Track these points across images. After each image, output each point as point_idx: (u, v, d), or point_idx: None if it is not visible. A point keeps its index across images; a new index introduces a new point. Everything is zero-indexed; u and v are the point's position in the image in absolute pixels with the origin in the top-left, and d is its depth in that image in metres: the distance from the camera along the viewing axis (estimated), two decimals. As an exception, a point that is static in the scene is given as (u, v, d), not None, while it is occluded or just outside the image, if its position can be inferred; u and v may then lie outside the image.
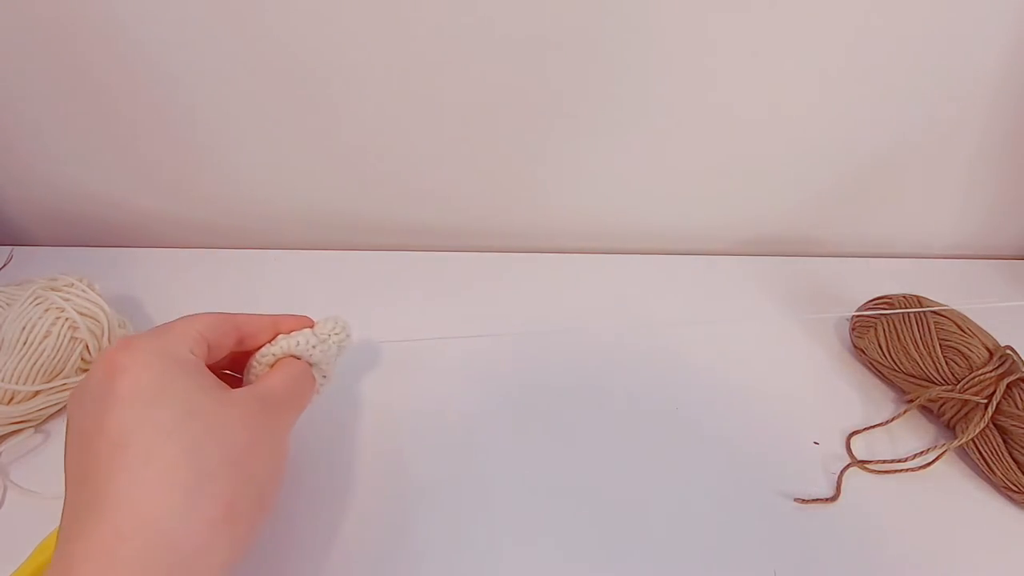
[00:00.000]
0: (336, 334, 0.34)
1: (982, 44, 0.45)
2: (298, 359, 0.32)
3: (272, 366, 0.31)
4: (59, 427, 0.39)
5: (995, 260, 0.56)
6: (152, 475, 0.22)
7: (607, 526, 0.34)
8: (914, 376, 0.40)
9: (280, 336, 0.32)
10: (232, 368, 0.33)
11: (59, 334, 0.38)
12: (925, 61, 0.46)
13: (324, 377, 0.33)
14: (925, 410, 0.41)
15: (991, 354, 0.38)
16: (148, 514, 0.21)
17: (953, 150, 0.51)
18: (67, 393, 0.39)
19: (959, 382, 0.38)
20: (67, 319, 0.38)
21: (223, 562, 0.23)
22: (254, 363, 0.31)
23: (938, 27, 0.44)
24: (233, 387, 0.29)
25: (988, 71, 0.47)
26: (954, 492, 0.37)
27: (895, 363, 0.41)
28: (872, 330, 0.43)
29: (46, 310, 0.38)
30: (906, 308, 0.41)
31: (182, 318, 0.29)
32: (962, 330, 0.39)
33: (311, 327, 0.33)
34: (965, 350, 0.38)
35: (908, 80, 0.47)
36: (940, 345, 0.39)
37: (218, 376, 0.29)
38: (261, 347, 0.32)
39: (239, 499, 0.23)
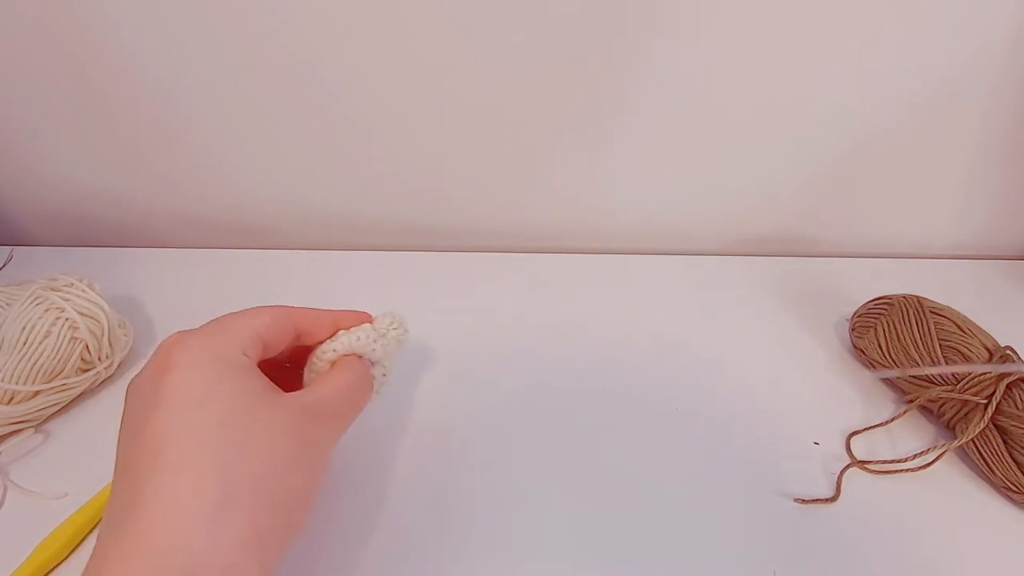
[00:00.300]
0: (395, 328, 0.33)
1: (982, 44, 0.45)
2: (359, 358, 0.31)
3: (333, 363, 0.30)
4: (59, 427, 0.39)
5: (995, 260, 0.56)
6: (183, 485, 0.21)
7: (607, 526, 0.34)
8: (914, 376, 0.40)
9: (341, 332, 0.31)
10: (292, 361, 0.32)
11: (59, 334, 0.38)
12: (925, 61, 0.46)
13: (384, 375, 0.32)
14: (925, 410, 0.41)
15: (991, 354, 0.38)
16: (177, 527, 0.20)
17: (953, 150, 0.51)
18: (67, 393, 0.39)
19: (959, 382, 0.38)
20: (67, 319, 0.38)
21: None
22: (315, 360, 0.30)
23: (938, 27, 0.44)
24: (290, 385, 0.28)
25: (988, 71, 0.47)
26: (954, 492, 0.37)
27: (895, 363, 0.41)
28: (872, 330, 0.43)
29: (46, 310, 0.38)
30: (906, 308, 0.41)
31: (239, 314, 0.28)
32: (962, 330, 0.39)
33: (370, 323, 0.32)
34: (965, 350, 0.38)
35: (908, 80, 0.47)
36: (940, 345, 0.39)
37: (277, 370, 0.28)
38: (321, 343, 0.31)
39: (269, 517, 0.22)
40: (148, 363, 0.25)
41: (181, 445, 0.22)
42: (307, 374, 0.31)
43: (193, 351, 0.24)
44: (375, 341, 0.31)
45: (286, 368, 0.32)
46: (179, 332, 0.26)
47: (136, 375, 0.26)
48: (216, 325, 0.27)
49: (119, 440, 0.24)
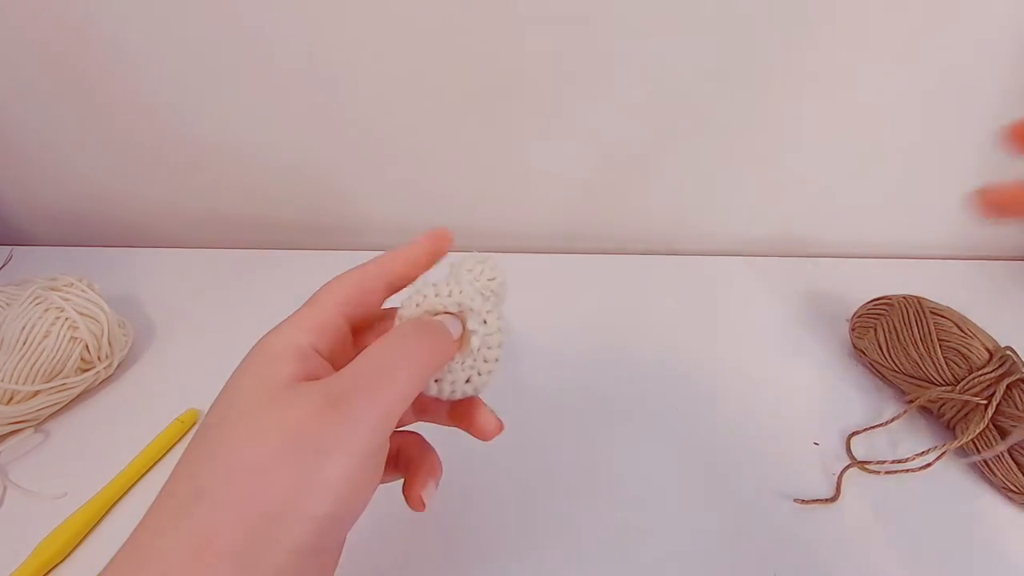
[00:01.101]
0: (479, 275, 0.26)
1: (983, 44, 0.45)
2: (421, 317, 0.24)
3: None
4: (59, 427, 0.39)
5: (995, 260, 0.56)
6: (162, 490, 0.20)
7: (606, 526, 0.34)
8: (914, 377, 0.40)
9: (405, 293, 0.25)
10: None
11: (59, 334, 0.38)
12: (927, 62, 0.46)
13: (484, 323, 0.24)
14: (925, 411, 0.41)
15: (991, 355, 0.38)
16: (146, 532, 0.19)
17: (953, 150, 0.51)
18: (67, 393, 0.39)
19: (959, 383, 0.38)
20: (67, 319, 0.38)
21: None
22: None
23: (940, 28, 0.44)
24: None
25: (989, 71, 0.47)
26: (954, 492, 0.37)
27: (895, 364, 0.41)
28: (872, 331, 0.43)
29: (46, 310, 0.38)
30: (906, 308, 0.41)
31: (322, 294, 0.25)
32: (962, 331, 0.39)
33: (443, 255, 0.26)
34: (965, 351, 0.38)
35: (910, 81, 0.47)
36: (940, 346, 0.39)
37: None
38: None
39: (240, 528, 0.18)
40: None
41: (194, 436, 0.21)
42: None
43: (261, 347, 0.23)
44: (448, 295, 0.24)
45: None
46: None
47: None
48: (298, 314, 0.24)
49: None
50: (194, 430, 0.39)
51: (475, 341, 0.24)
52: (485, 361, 0.24)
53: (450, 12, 0.44)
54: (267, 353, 0.22)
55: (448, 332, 0.24)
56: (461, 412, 0.26)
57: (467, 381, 0.24)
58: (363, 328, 0.26)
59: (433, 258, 0.26)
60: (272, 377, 0.21)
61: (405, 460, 0.27)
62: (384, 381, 0.21)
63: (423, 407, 0.27)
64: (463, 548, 0.33)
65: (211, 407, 0.22)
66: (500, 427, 0.26)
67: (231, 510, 0.18)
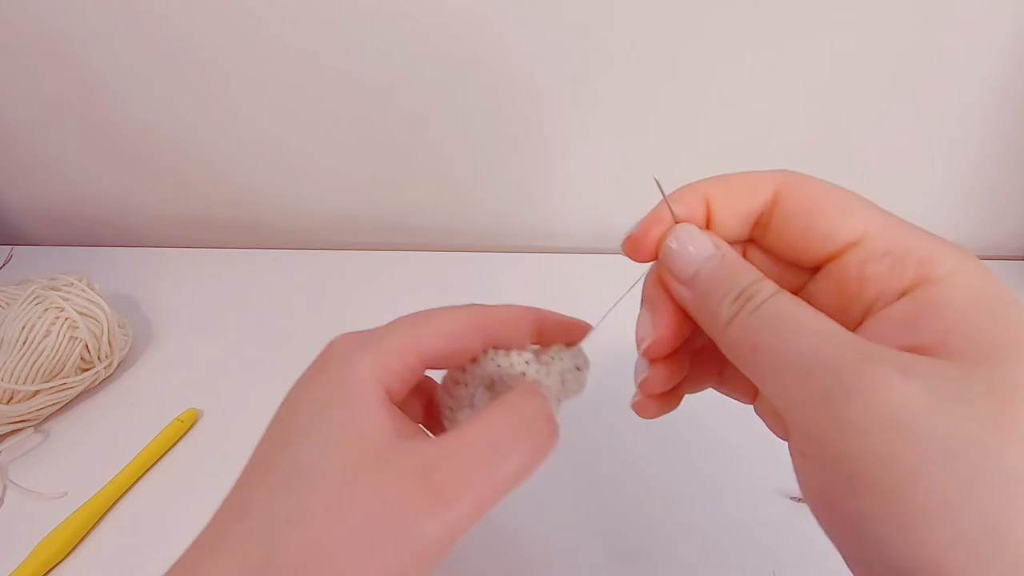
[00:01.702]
0: (561, 360, 0.23)
1: (983, 44, 0.45)
2: (531, 388, 0.20)
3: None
4: (59, 427, 0.39)
5: (995, 260, 0.56)
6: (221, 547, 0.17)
7: (605, 525, 0.34)
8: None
9: (490, 351, 0.22)
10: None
11: (59, 334, 0.38)
12: (926, 61, 0.46)
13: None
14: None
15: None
16: None
17: (953, 150, 0.51)
18: (67, 393, 0.39)
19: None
20: (67, 319, 0.38)
21: None
22: (444, 392, 0.22)
23: (939, 28, 0.44)
24: None
25: (988, 71, 0.46)
26: (954, 492, 0.36)
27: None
28: (872, 330, 0.43)
29: (46, 310, 0.38)
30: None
31: (404, 327, 0.20)
32: (962, 330, 0.39)
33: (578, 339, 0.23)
34: (965, 350, 0.38)
35: (909, 80, 0.47)
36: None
37: None
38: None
39: None
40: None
41: (249, 473, 0.18)
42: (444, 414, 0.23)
43: (322, 373, 0.19)
44: (539, 372, 0.22)
45: None
46: (341, 337, 0.20)
47: None
48: (369, 338, 0.20)
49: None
50: (194, 433, 0.39)
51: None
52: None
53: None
54: (357, 383, 0.18)
55: (556, 440, 0.19)
56: None
57: None
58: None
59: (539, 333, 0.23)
60: (369, 426, 0.17)
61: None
62: (494, 472, 0.17)
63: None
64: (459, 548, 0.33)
65: (276, 432, 0.18)
66: None
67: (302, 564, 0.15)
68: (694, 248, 0.19)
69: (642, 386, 0.22)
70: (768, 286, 0.17)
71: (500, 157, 0.53)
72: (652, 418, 0.23)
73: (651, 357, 0.21)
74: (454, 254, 0.56)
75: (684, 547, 0.33)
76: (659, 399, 0.23)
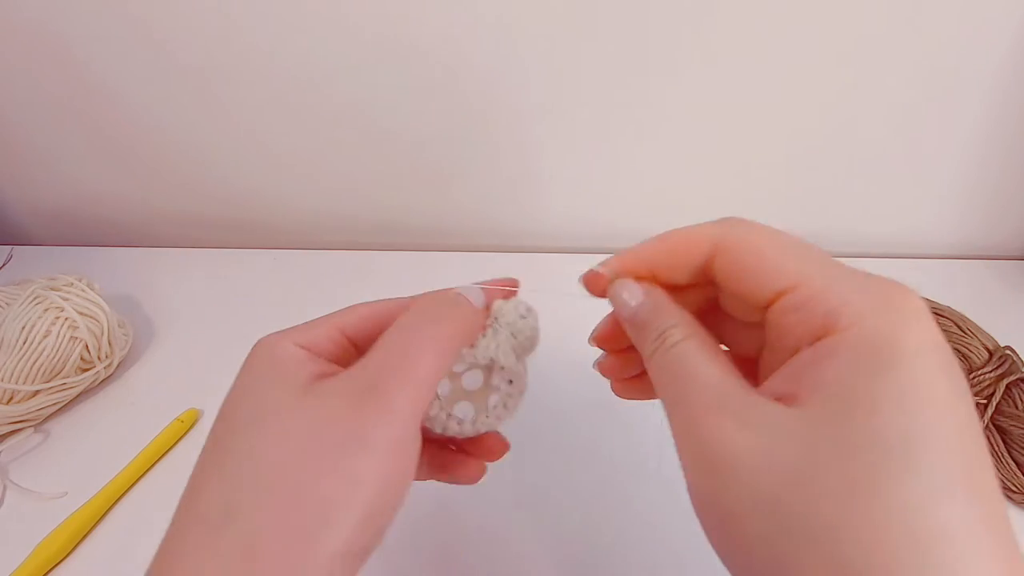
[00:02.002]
0: (518, 331, 0.25)
1: (983, 44, 0.45)
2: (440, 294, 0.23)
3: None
4: (59, 427, 0.39)
5: (995, 260, 0.56)
6: (185, 499, 0.19)
7: (605, 525, 0.34)
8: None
9: None
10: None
11: (59, 334, 0.38)
12: (927, 62, 0.46)
13: (510, 383, 0.25)
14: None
15: (991, 354, 0.38)
16: (178, 552, 0.18)
17: (954, 150, 0.51)
18: (67, 393, 0.39)
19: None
20: (67, 319, 0.38)
21: None
22: None
23: (939, 28, 0.44)
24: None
25: (989, 71, 0.46)
26: (954, 492, 0.36)
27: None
28: (872, 330, 0.43)
29: (46, 310, 0.38)
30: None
31: (324, 316, 0.23)
32: (962, 330, 0.39)
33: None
34: (965, 350, 0.38)
35: (909, 80, 0.47)
36: (940, 345, 0.39)
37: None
38: None
39: (281, 531, 0.17)
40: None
41: (203, 449, 0.20)
42: None
43: (261, 344, 0.22)
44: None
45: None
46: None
47: None
48: (295, 327, 0.23)
49: None
50: (194, 433, 0.39)
51: (493, 399, 0.24)
52: (498, 416, 0.25)
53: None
54: (277, 355, 0.21)
55: (469, 303, 0.23)
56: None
57: (473, 422, 0.24)
58: None
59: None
60: (290, 377, 0.20)
61: (441, 460, 0.25)
62: (412, 362, 0.20)
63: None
64: (462, 544, 0.33)
65: (221, 416, 0.20)
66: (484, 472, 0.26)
67: (269, 527, 0.17)
68: (627, 295, 0.22)
69: (598, 366, 0.27)
70: (678, 332, 0.20)
71: (496, 159, 0.53)
72: (627, 398, 0.26)
73: (593, 344, 0.26)
74: (455, 254, 0.56)
75: (684, 547, 0.33)
76: (630, 383, 0.26)
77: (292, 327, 0.22)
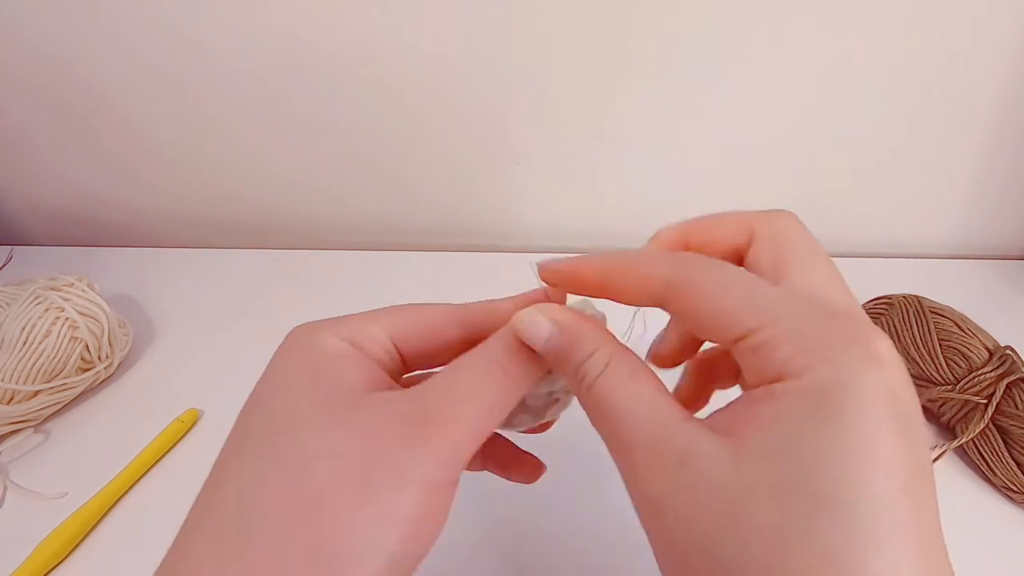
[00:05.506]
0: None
1: (984, 45, 0.45)
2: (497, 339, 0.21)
3: None
4: (59, 427, 0.39)
5: (995, 260, 0.56)
6: (199, 503, 0.18)
7: (604, 524, 0.34)
8: (914, 376, 0.40)
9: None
10: None
11: (59, 334, 0.38)
12: (927, 62, 0.46)
13: (567, 392, 0.24)
14: (925, 410, 0.41)
15: (991, 354, 0.38)
16: (191, 560, 0.17)
17: (954, 151, 0.51)
18: (67, 393, 0.39)
19: (959, 382, 0.38)
20: (67, 319, 0.38)
21: None
22: None
23: (940, 28, 0.44)
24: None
25: (990, 72, 0.47)
26: (954, 492, 0.37)
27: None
28: (872, 330, 0.43)
29: (46, 310, 0.38)
30: (906, 308, 0.41)
31: (374, 311, 0.21)
32: (962, 330, 0.39)
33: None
34: (965, 350, 0.38)
35: (910, 80, 0.47)
36: (940, 345, 0.39)
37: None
38: None
39: (295, 554, 0.16)
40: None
41: (224, 451, 0.18)
42: None
43: (297, 333, 0.20)
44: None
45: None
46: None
47: None
48: (336, 318, 0.21)
49: None
50: (195, 434, 0.39)
51: (551, 414, 0.24)
52: (554, 413, 0.24)
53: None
54: (321, 350, 0.19)
55: (539, 361, 0.20)
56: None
57: (528, 424, 0.24)
58: (421, 366, 0.22)
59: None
60: (338, 381, 0.18)
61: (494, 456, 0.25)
62: (474, 404, 0.18)
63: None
64: (462, 548, 0.33)
65: (251, 409, 0.19)
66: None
67: (291, 549, 0.15)
68: (534, 329, 0.19)
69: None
70: (597, 363, 0.18)
71: (491, 159, 0.53)
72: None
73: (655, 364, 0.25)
74: (454, 254, 0.56)
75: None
76: (686, 399, 0.25)
77: (333, 318, 0.20)
